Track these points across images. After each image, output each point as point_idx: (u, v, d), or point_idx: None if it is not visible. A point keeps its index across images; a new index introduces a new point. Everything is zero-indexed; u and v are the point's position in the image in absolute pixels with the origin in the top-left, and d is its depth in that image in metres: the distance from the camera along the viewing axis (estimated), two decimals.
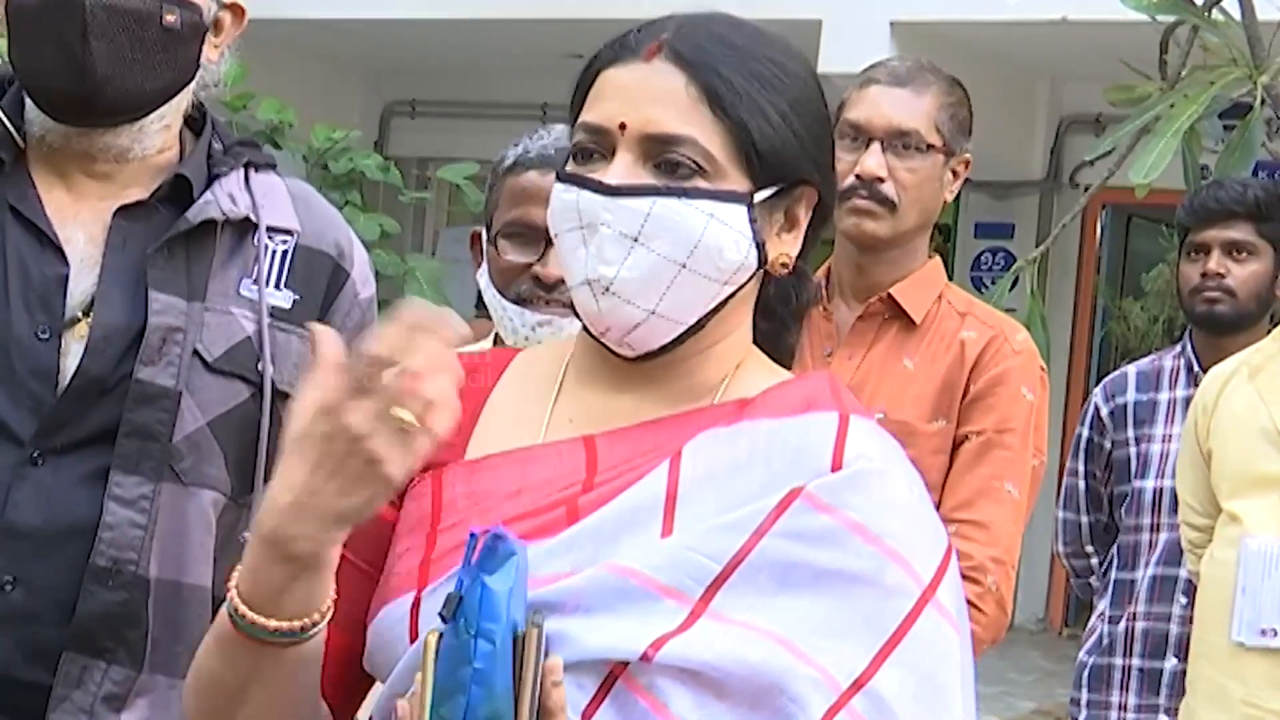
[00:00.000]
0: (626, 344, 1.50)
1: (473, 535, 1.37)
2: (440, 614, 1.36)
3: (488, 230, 2.43)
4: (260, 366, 1.97)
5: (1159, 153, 3.49)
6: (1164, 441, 3.69)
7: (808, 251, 1.57)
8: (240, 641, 1.42)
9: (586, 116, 1.50)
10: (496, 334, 2.48)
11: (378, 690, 1.52)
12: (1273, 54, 3.67)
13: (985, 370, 2.68)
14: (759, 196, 1.50)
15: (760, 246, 1.50)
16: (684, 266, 1.47)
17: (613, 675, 1.41)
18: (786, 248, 1.53)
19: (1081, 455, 3.84)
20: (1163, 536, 3.62)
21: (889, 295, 2.74)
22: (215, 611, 1.90)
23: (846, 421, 1.50)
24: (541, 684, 1.36)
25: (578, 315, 1.53)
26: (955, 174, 2.78)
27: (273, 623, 1.40)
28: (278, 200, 2.06)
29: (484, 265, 2.42)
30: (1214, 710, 3.02)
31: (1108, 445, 3.78)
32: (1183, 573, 3.53)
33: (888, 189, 2.68)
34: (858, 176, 2.67)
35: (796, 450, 1.48)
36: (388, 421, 1.33)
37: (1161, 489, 3.65)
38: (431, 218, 10.41)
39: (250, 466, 1.98)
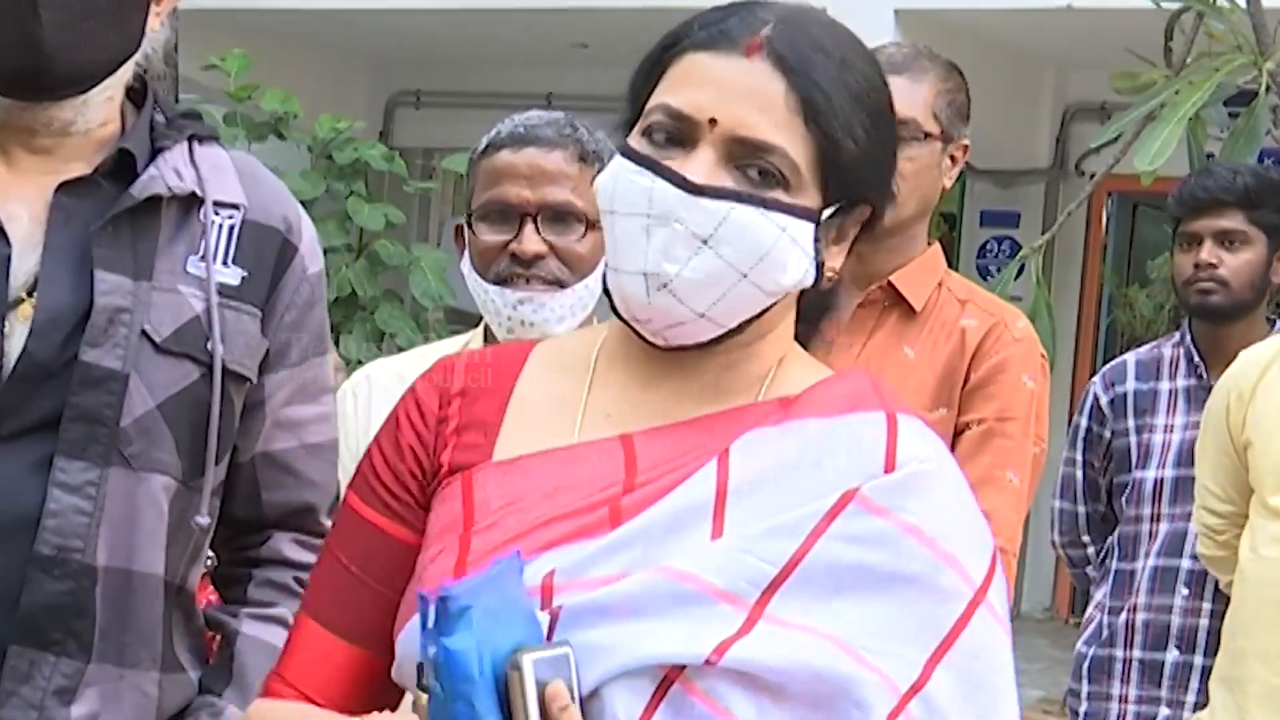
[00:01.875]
0: (663, 336, 1.48)
1: (422, 598, 1.35)
2: (419, 686, 1.36)
3: (467, 218, 2.43)
4: (209, 346, 1.90)
5: (1164, 140, 3.48)
6: (1165, 431, 3.67)
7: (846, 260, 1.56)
8: None
9: (670, 99, 1.46)
10: (486, 327, 2.48)
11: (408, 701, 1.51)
12: (1278, 40, 3.67)
13: (986, 358, 2.68)
14: (826, 213, 1.48)
15: (820, 266, 1.49)
16: (745, 276, 1.45)
17: (668, 680, 1.39)
18: (834, 260, 1.53)
19: (1079, 444, 3.81)
20: (1163, 527, 3.59)
21: (889, 283, 2.72)
22: (167, 598, 1.92)
23: (895, 421, 1.49)
24: (548, 713, 1.35)
25: (608, 295, 1.50)
26: (953, 159, 2.76)
27: None
28: (223, 174, 1.98)
29: (465, 253, 2.43)
30: (1271, 711, 2.99)
31: (1107, 435, 3.76)
32: (1185, 564, 3.52)
33: None
34: None
35: (848, 451, 1.46)
36: None
37: (1163, 479, 3.63)
38: (436, 208, 10.41)
39: (201, 449, 1.92)
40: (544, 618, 1.41)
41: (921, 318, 2.73)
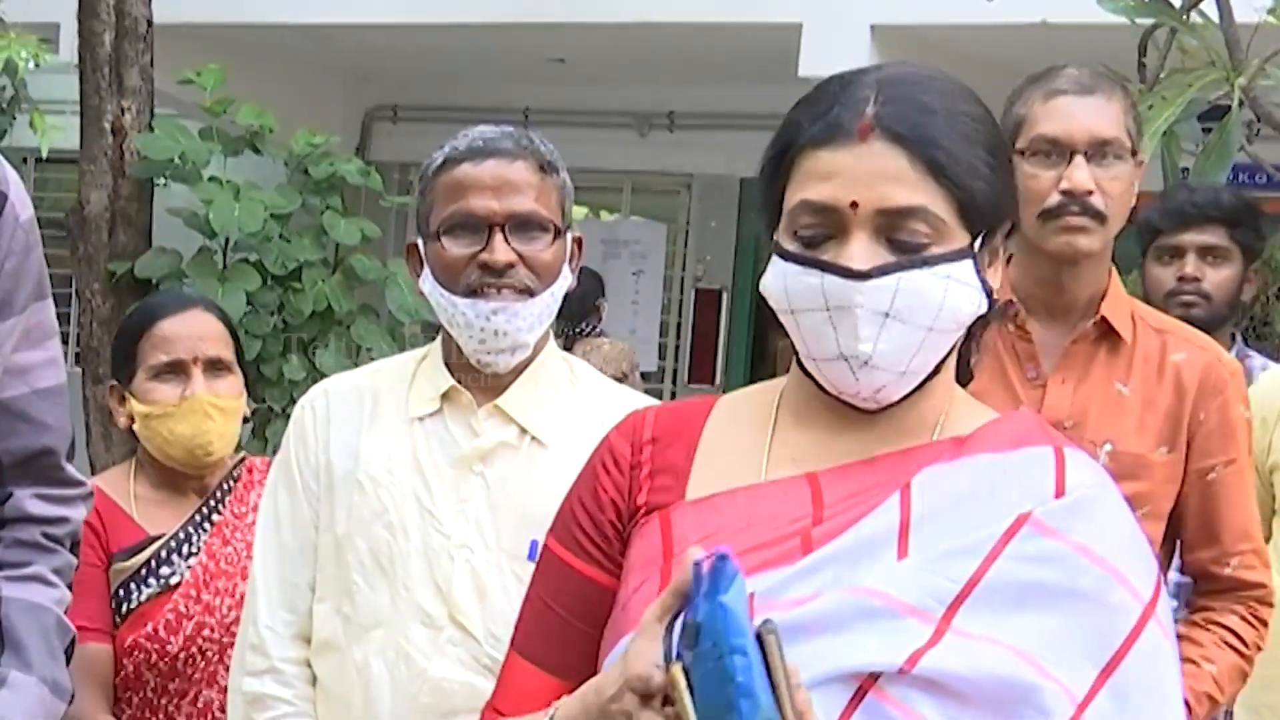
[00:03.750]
0: (874, 401, 1.60)
1: (697, 564, 1.43)
2: (680, 645, 1.42)
3: (424, 237, 2.43)
4: None
5: None
6: None
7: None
8: None
9: (807, 195, 1.57)
10: (444, 342, 2.47)
11: None
12: (1250, 56, 3.68)
13: (1212, 398, 2.70)
14: (977, 245, 1.60)
15: (990, 293, 1.61)
16: (931, 329, 1.58)
17: (863, 689, 1.51)
18: (994, 280, 1.64)
19: None
20: None
21: (1102, 317, 2.70)
22: None
23: (1062, 454, 1.61)
24: (790, 679, 1.42)
25: (815, 380, 1.61)
26: (1137, 176, 2.74)
27: None
28: None
29: (424, 272, 2.43)
30: None
31: None
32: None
33: (1098, 201, 2.63)
34: (1065, 193, 2.62)
35: (1019, 482, 1.58)
36: None
37: None
38: (413, 222, 10.40)
39: None
40: None
41: (1127, 350, 2.70)
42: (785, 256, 1.59)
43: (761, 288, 1.63)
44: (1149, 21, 3.98)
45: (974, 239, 1.59)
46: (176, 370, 3.02)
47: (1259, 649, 2.73)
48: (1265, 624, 2.74)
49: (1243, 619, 2.73)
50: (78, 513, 2.12)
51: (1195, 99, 3.64)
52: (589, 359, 7.31)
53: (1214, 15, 3.78)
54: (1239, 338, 3.83)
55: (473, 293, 2.35)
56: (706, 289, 9.94)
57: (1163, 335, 2.73)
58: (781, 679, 1.41)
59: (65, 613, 2.07)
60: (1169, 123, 3.55)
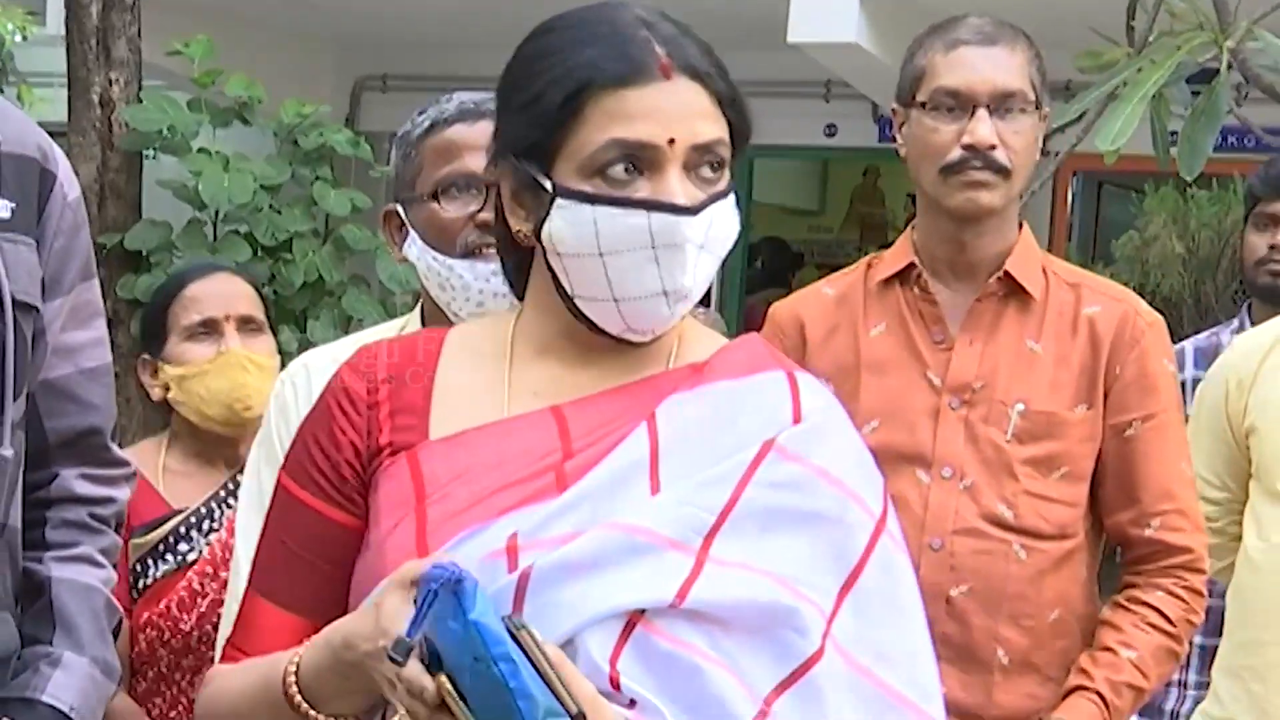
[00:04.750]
0: (653, 334, 1.64)
1: (430, 589, 1.45)
2: (430, 671, 1.45)
3: (408, 201, 2.40)
4: None
5: (1125, 119, 3.48)
6: None
7: None
8: (282, 705, 1.58)
9: (621, 134, 1.58)
10: (423, 310, 2.45)
11: None
12: (1239, 18, 3.66)
13: (1128, 350, 2.58)
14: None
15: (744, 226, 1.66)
16: (717, 259, 1.64)
17: (631, 623, 1.53)
18: None
19: None
20: None
21: (1006, 273, 2.59)
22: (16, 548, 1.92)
23: (794, 379, 1.68)
24: (555, 665, 1.46)
25: (585, 321, 1.62)
26: (1041, 129, 2.63)
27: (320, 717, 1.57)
28: None
29: (409, 238, 2.40)
30: None
31: None
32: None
33: (1000, 155, 2.53)
34: (967, 147, 2.53)
35: (758, 407, 1.64)
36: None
37: None
38: None
39: None
40: (512, 579, 1.53)
41: (1038, 307, 2.60)
42: (594, 199, 1.59)
43: (546, 235, 1.62)
44: None
45: (733, 171, 1.66)
46: (210, 329, 3.02)
47: (1191, 624, 2.58)
48: (1198, 594, 2.59)
49: (1168, 593, 2.57)
50: (122, 493, 2.13)
51: (1184, 62, 3.62)
52: None
53: None
54: None
55: (470, 254, 2.32)
56: None
57: (1077, 289, 2.62)
58: (548, 669, 1.44)
59: (112, 593, 2.08)
60: (1158, 86, 3.53)
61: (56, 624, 1.99)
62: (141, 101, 6.43)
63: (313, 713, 1.57)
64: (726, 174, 1.64)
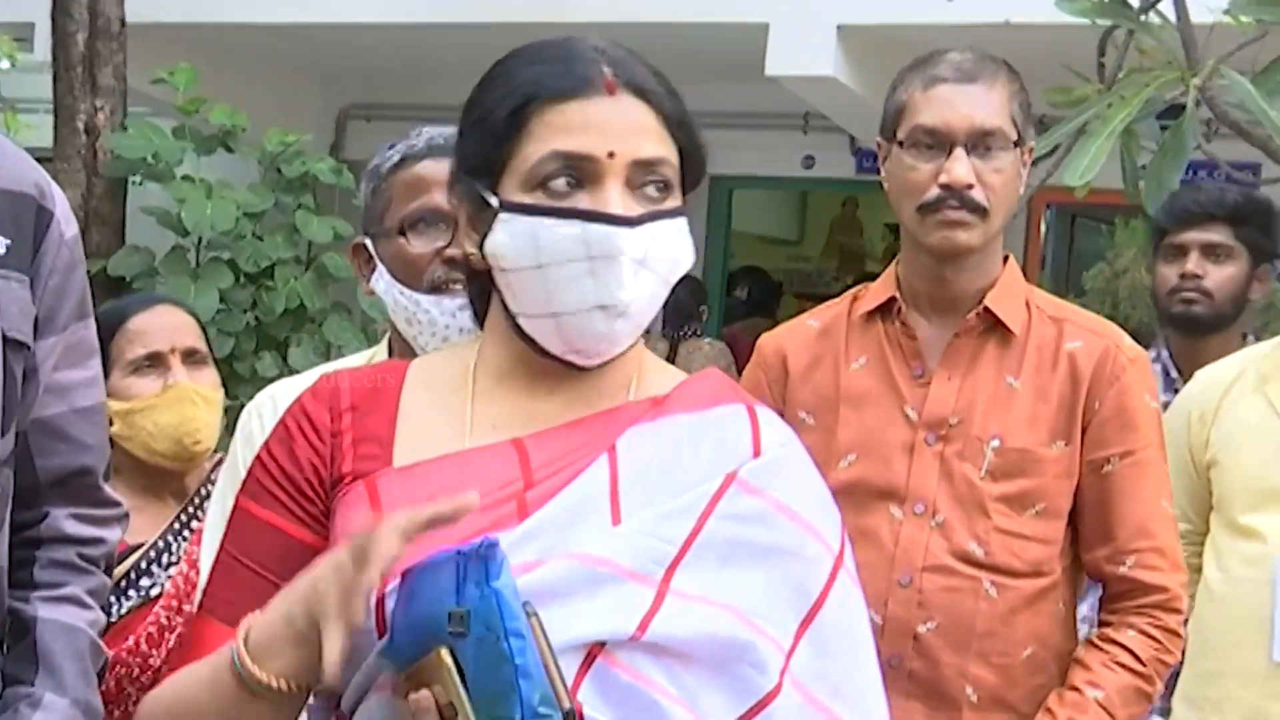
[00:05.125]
0: (598, 355, 1.62)
1: (460, 552, 1.43)
2: (451, 631, 1.43)
3: (376, 235, 2.40)
4: None
5: (1094, 154, 3.50)
6: None
7: None
8: (229, 689, 1.53)
9: (562, 146, 1.58)
10: (390, 342, 2.45)
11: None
12: (1206, 56, 3.70)
13: (1107, 386, 2.52)
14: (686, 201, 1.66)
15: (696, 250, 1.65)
16: (664, 280, 1.62)
17: (591, 655, 1.51)
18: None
19: None
20: None
21: (985, 309, 2.55)
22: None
23: (754, 412, 1.67)
24: (556, 660, 1.44)
25: (527, 340, 1.61)
26: (1024, 165, 2.58)
27: (268, 677, 1.51)
28: None
29: (377, 271, 2.40)
30: None
31: None
32: None
33: (978, 195, 2.49)
34: (944, 186, 2.49)
35: (718, 440, 1.63)
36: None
37: None
38: None
39: None
40: None
41: (1019, 342, 2.56)
42: (532, 210, 1.58)
43: (489, 250, 1.61)
44: (1108, 22, 4.00)
45: (684, 194, 1.65)
46: (155, 362, 2.96)
47: (1164, 664, 2.52)
48: (1173, 633, 2.54)
49: (1141, 633, 2.51)
50: (113, 534, 2.10)
51: (1152, 98, 3.66)
52: (693, 359, 7.49)
53: (1171, 16, 3.80)
54: (1253, 338, 3.79)
55: (436, 289, 2.33)
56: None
57: (1059, 324, 2.57)
58: (550, 657, 1.43)
59: (99, 635, 2.05)
60: (1126, 121, 3.57)
61: (40, 665, 1.96)
62: (126, 129, 6.45)
63: (256, 670, 1.51)
64: (676, 197, 1.63)
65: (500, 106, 1.61)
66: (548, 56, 1.62)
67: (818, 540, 1.62)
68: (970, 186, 2.49)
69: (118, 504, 2.12)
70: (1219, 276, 3.68)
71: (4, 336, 1.88)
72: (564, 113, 1.58)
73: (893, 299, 2.63)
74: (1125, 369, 2.54)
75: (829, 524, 1.65)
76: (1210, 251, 3.68)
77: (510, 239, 1.58)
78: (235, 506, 1.68)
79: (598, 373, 1.64)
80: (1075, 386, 2.53)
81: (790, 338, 2.71)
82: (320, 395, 1.68)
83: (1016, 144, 2.53)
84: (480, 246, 1.63)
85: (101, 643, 2.06)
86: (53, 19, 6.39)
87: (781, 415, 2.60)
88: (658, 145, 1.60)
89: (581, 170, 1.58)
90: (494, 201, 1.60)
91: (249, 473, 1.69)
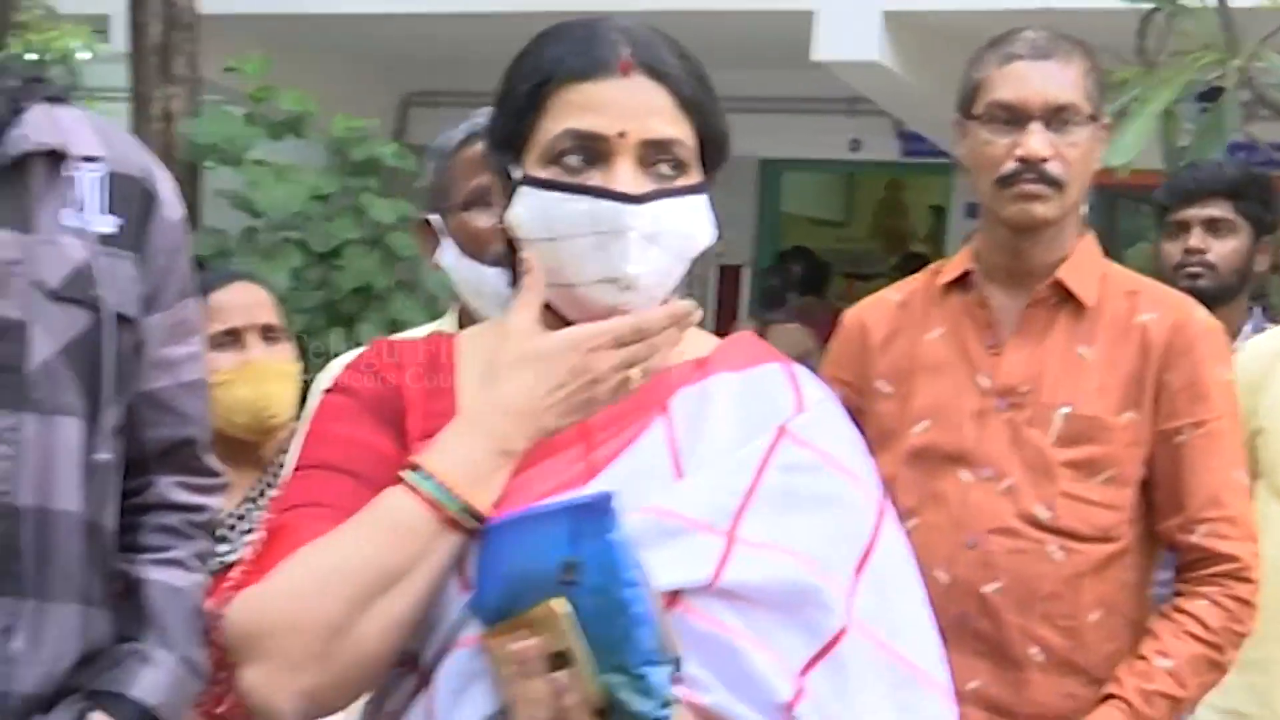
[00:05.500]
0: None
1: (573, 505, 1.44)
2: (563, 581, 1.43)
3: (442, 211, 2.41)
4: (96, 292, 1.91)
5: (1135, 134, 3.49)
6: None
7: None
8: (417, 523, 1.51)
9: (574, 124, 1.59)
10: (459, 314, 2.46)
11: None
12: (1246, 38, 3.67)
13: (1180, 356, 2.50)
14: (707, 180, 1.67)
15: (718, 227, 1.67)
16: (678, 256, 1.62)
17: (668, 604, 1.50)
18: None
19: None
20: None
21: (1057, 280, 2.54)
22: (86, 534, 1.92)
23: (792, 369, 1.70)
24: (662, 612, 1.46)
25: (553, 311, 1.61)
26: (1098, 140, 2.56)
27: (474, 502, 1.52)
28: (82, 130, 1.98)
29: (443, 246, 2.41)
30: None
31: None
32: None
33: (1054, 168, 2.48)
34: (1021, 159, 2.48)
35: (762, 396, 1.65)
36: (619, 374, 1.55)
37: None
38: None
39: (98, 390, 1.92)
40: None
41: (1093, 314, 2.54)
42: (546, 185, 1.59)
43: (509, 221, 1.63)
44: (1149, 5, 3.97)
45: (706, 174, 1.65)
46: (233, 338, 2.98)
47: (1235, 633, 2.49)
48: (1245, 603, 2.50)
49: (1213, 603, 2.48)
50: (215, 502, 2.14)
51: (1193, 80, 3.64)
52: (778, 342, 7.57)
53: None
54: (1259, 311, 3.78)
55: (500, 262, 2.33)
56: (728, 265, 9.93)
57: (1134, 296, 2.56)
58: (658, 608, 1.44)
59: (203, 597, 2.08)
60: (1167, 103, 3.54)
61: (148, 623, 2.00)
62: (200, 116, 6.48)
63: (474, 501, 1.51)
64: (691, 175, 1.63)
65: (523, 84, 1.63)
66: (571, 36, 1.64)
67: (863, 488, 1.65)
68: (1046, 160, 2.48)
69: (218, 473, 2.15)
70: (1222, 250, 3.67)
71: (114, 312, 1.92)
72: (580, 92, 1.60)
73: (969, 272, 2.63)
74: (1198, 340, 2.53)
75: (868, 472, 1.67)
76: (1212, 226, 3.68)
77: (526, 211, 1.61)
78: (307, 436, 1.67)
79: None
80: (1146, 357, 2.51)
81: (871, 311, 2.73)
82: (381, 352, 1.69)
83: (1091, 119, 2.53)
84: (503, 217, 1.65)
85: (204, 604, 2.09)
86: (130, 11, 6.43)
87: (862, 385, 2.65)
88: (670, 126, 1.61)
89: (593, 149, 1.59)
90: (515, 174, 1.63)
91: (315, 416, 1.68)
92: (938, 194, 10.04)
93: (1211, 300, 3.65)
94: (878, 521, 1.64)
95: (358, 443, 1.62)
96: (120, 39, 7.12)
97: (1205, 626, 2.48)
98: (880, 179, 11.29)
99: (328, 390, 1.69)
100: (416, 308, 6.70)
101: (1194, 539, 2.52)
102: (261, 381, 2.97)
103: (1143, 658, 2.48)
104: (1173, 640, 2.48)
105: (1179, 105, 3.72)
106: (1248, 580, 2.50)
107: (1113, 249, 9.48)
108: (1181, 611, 2.50)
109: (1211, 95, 3.83)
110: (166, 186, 2.04)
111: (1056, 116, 2.49)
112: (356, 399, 1.65)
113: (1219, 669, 2.51)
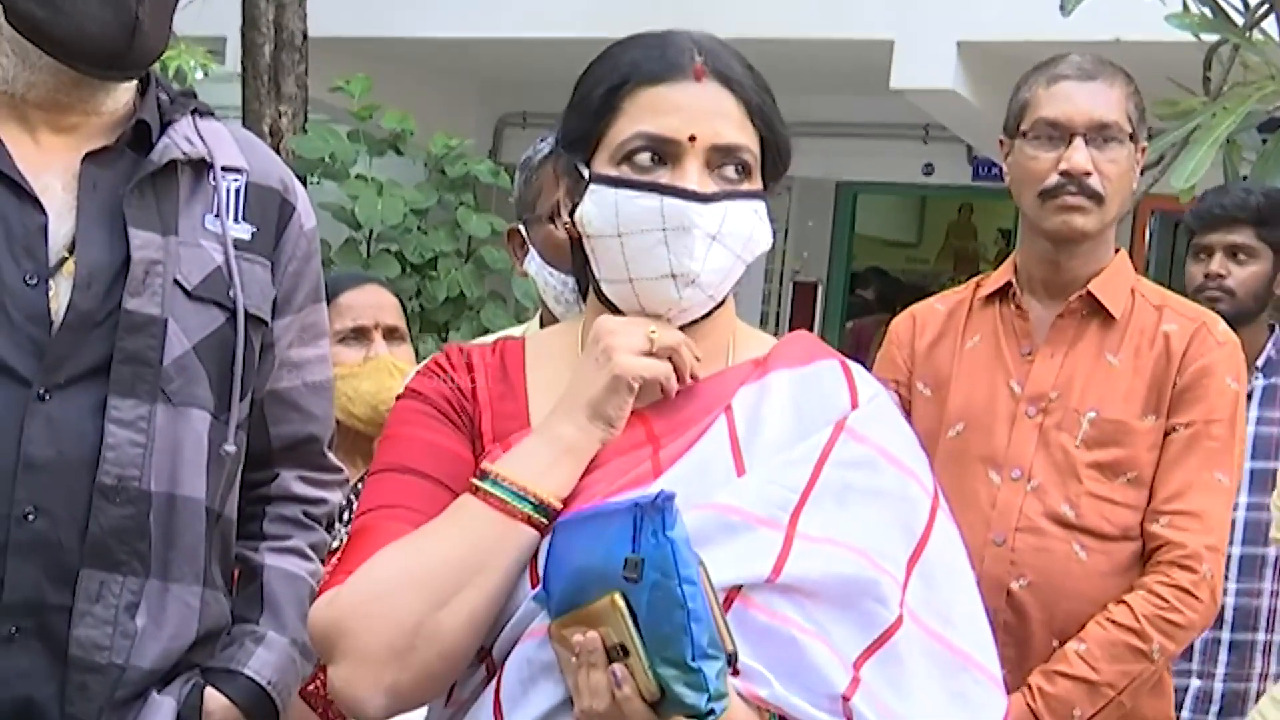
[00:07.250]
0: (677, 320, 1.62)
1: (637, 504, 1.43)
2: (625, 576, 1.42)
3: (528, 221, 2.42)
4: (231, 293, 1.95)
5: (1198, 161, 3.46)
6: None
7: None
8: (492, 523, 1.52)
9: (646, 127, 1.59)
10: (541, 319, 2.48)
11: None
12: None
13: (1191, 362, 2.52)
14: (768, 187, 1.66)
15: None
16: (738, 257, 1.62)
17: (729, 599, 1.49)
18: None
19: None
20: (1241, 516, 3.47)
21: (1088, 292, 2.57)
22: (207, 521, 1.95)
23: (847, 365, 1.67)
24: (720, 607, 1.44)
25: (607, 304, 1.62)
26: (1137, 161, 2.59)
27: (546, 499, 1.53)
28: (225, 142, 2.02)
29: (530, 254, 2.42)
30: None
31: None
32: (1271, 551, 3.44)
33: (1095, 182, 2.51)
34: (1064, 173, 2.51)
35: (819, 393, 1.63)
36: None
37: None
38: None
39: (228, 385, 1.95)
40: None
41: (1120, 325, 2.57)
42: (616, 182, 1.59)
43: (578, 218, 1.62)
44: (1214, 38, 3.94)
45: (766, 182, 1.64)
46: (360, 335, 3.02)
47: (1169, 622, 2.44)
48: (1185, 591, 2.45)
49: (1148, 591, 2.46)
50: (335, 496, 2.17)
51: (1254, 110, 3.60)
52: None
53: (1274, 33, 3.73)
54: (1276, 327, 3.75)
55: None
56: (803, 282, 9.91)
57: (1160, 309, 2.58)
58: (715, 602, 1.43)
59: (318, 585, 2.10)
60: (1229, 131, 3.51)
61: (264, 606, 2.04)
62: (307, 132, 6.56)
63: (548, 495, 1.53)
64: (755, 181, 1.62)
65: (599, 86, 1.62)
66: (646, 43, 1.64)
67: (917, 483, 1.62)
68: (1088, 174, 2.51)
69: (339, 469, 2.19)
70: (1241, 275, 3.64)
71: (246, 313, 1.96)
72: (654, 95, 1.59)
73: (1009, 283, 2.66)
74: (1211, 349, 2.54)
75: (923, 467, 1.65)
76: (1233, 252, 3.65)
77: (596, 208, 1.60)
78: (386, 439, 1.66)
79: (696, 340, 1.63)
80: (1168, 363, 2.53)
81: (919, 318, 2.76)
82: (453, 356, 1.69)
83: (1131, 139, 2.55)
84: (572, 215, 1.64)
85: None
86: (242, 33, 6.51)
87: (907, 386, 2.66)
88: (738, 132, 1.60)
89: (664, 150, 1.58)
90: (586, 173, 1.62)
91: (391, 420, 1.68)
92: (1006, 218, 9.98)
93: (1230, 323, 3.62)
94: (931, 515, 1.61)
95: (431, 445, 1.62)
96: (233, 60, 7.21)
97: (1131, 614, 2.45)
98: (952, 202, 11.23)
99: (401, 395, 1.69)
100: (506, 317, 6.75)
101: (1154, 528, 2.50)
102: (382, 376, 3.01)
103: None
104: (1092, 625, 2.46)
105: (1240, 134, 3.68)
106: (1191, 570, 2.46)
107: (1173, 273, 9.37)
108: (1119, 601, 2.48)
109: (1272, 125, 3.79)
110: (302, 198, 2.08)
111: (1099, 134, 2.52)
112: (428, 402, 1.66)
113: (1144, 657, 2.45)
